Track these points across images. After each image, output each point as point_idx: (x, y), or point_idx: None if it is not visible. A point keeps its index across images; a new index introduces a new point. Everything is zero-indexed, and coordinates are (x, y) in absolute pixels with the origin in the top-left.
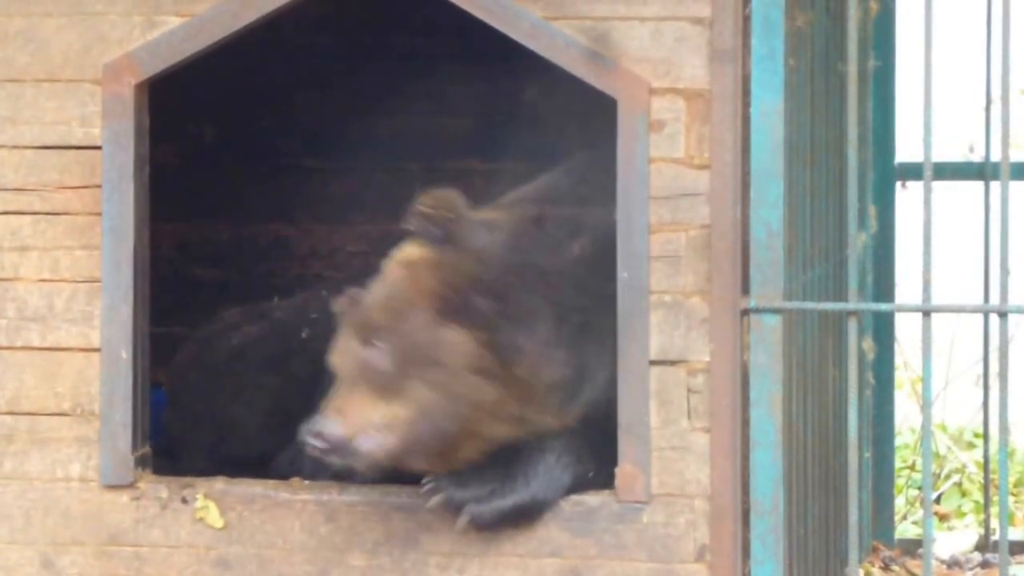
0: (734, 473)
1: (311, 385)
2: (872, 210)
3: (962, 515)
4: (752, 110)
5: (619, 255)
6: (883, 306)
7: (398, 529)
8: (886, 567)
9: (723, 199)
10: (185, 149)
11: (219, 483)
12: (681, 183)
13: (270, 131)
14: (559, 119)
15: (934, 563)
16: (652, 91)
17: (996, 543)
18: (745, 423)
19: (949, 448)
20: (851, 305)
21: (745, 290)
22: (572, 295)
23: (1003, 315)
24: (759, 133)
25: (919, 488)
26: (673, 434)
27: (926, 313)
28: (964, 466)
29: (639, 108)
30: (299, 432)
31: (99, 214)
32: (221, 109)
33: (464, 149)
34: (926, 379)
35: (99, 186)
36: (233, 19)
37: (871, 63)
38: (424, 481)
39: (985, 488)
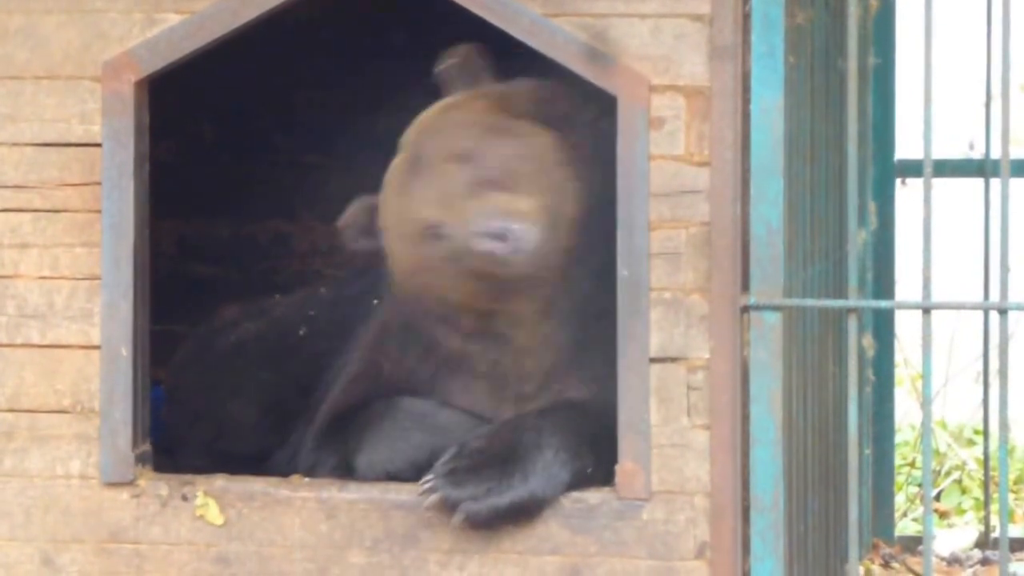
0: (734, 470)
1: (309, 383)
2: (872, 207)
3: (962, 512)
4: (752, 107)
5: (619, 252)
6: (883, 303)
7: (398, 526)
8: (886, 564)
9: (723, 196)
10: (185, 146)
11: (219, 480)
12: (681, 180)
13: (270, 128)
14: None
15: (934, 560)
16: (652, 88)
17: (996, 540)
18: (745, 420)
19: (949, 445)
20: (851, 302)
21: (745, 287)
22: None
23: (1003, 312)
24: (759, 130)
25: (919, 485)
26: (673, 431)
27: (926, 310)
28: (964, 463)
29: (639, 105)
30: (472, 221)
31: (99, 211)
32: (221, 106)
33: None
34: (926, 376)
35: (99, 183)
36: (233, 16)
37: (871, 60)
38: (422, 481)
39: (985, 485)
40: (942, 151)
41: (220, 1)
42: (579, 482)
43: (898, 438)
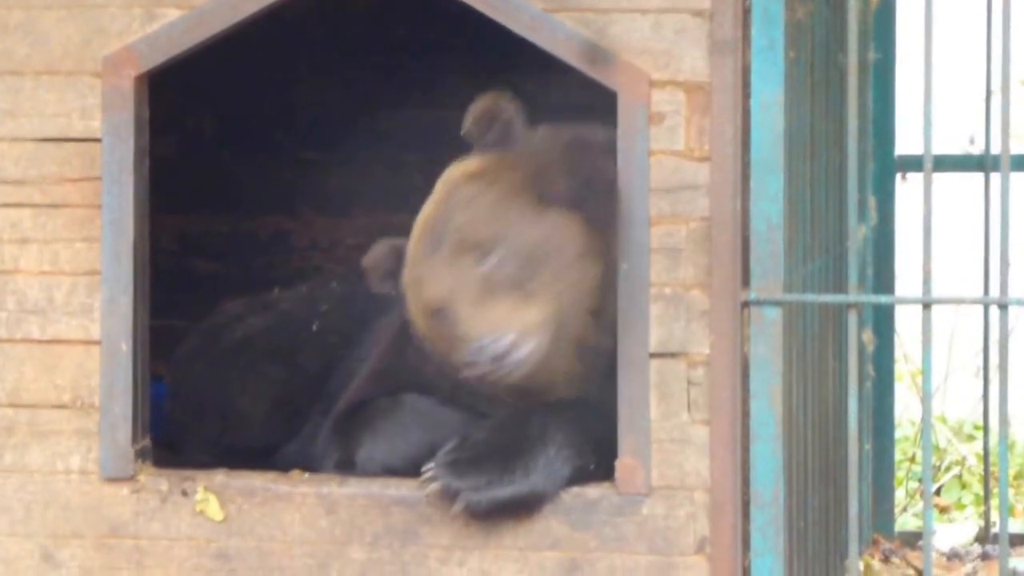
0: (734, 465)
1: (319, 377)
2: (872, 202)
3: (962, 507)
4: (752, 102)
5: (619, 247)
6: (883, 298)
7: (398, 522)
8: (886, 559)
9: (723, 191)
10: (185, 142)
11: (219, 476)
12: (681, 176)
13: (270, 124)
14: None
15: (934, 555)
16: (652, 83)
17: (996, 535)
18: (745, 415)
19: (949, 440)
20: (851, 297)
21: (745, 282)
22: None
23: (1003, 307)
24: (759, 125)
25: (919, 480)
26: (673, 426)
27: (926, 305)
28: (964, 458)
29: (639, 101)
30: (467, 345)
31: (99, 207)
32: (221, 101)
33: (465, 141)
34: (926, 371)
35: (99, 178)
36: (233, 11)
37: (871, 55)
38: (423, 469)
39: (985, 480)
40: (942, 146)
41: None
42: (580, 479)
43: (898, 433)
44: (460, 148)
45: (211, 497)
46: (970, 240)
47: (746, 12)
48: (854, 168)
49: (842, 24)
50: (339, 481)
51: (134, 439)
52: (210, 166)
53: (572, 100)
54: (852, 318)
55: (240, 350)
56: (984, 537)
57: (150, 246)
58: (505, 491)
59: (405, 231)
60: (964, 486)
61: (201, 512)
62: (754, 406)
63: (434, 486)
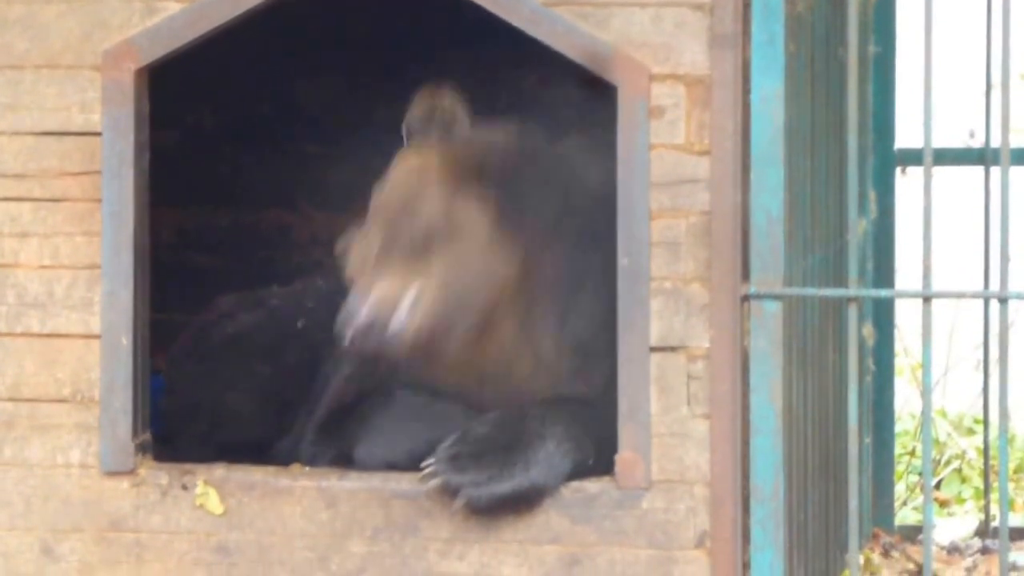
0: (734, 459)
1: (306, 373)
2: (872, 196)
3: (962, 501)
4: (752, 96)
5: (619, 241)
6: (883, 292)
7: (398, 516)
8: (886, 553)
9: (723, 185)
10: (185, 136)
11: (219, 470)
12: (681, 169)
13: (270, 118)
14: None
15: (934, 549)
16: (652, 77)
17: (996, 529)
18: (745, 409)
19: (949, 434)
20: (851, 291)
21: (745, 276)
22: (573, 193)
23: (1003, 301)
24: (759, 119)
25: (919, 474)
26: (673, 420)
27: (926, 299)
28: (964, 452)
29: (639, 94)
30: (336, 331)
31: (99, 200)
32: (221, 96)
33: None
34: (926, 365)
35: (99, 172)
36: (233, 5)
37: (871, 49)
38: (423, 465)
39: (985, 474)
40: (942, 140)
41: None
42: (580, 473)
43: (898, 427)
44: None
45: (211, 491)
46: (970, 234)
47: (746, 6)
48: (854, 162)
49: (842, 18)
50: (339, 475)
51: (134, 433)
52: (210, 160)
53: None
54: (852, 312)
55: (230, 347)
56: (984, 531)
57: (150, 240)
58: (505, 486)
59: None
60: (964, 480)
61: (201, 506)
62: (754, 400)
63: (435, 482)
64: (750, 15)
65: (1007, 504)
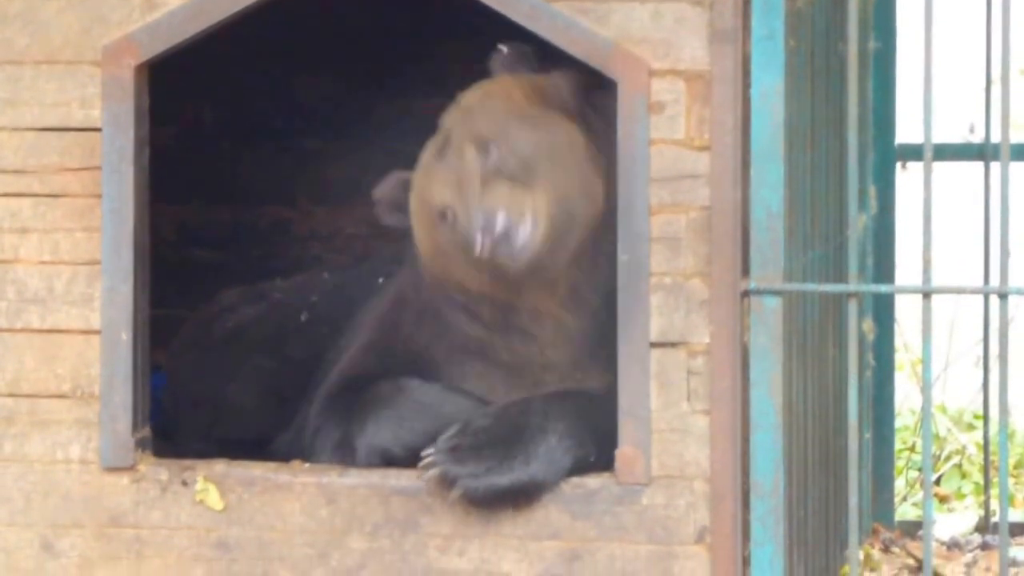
0: (734, 455)
1: (308, 367)
2: (872, 191)
3: (962, 497)
4: (752, 91)
5: (619, 237)
6: (883, 287)
7: (398, 511)
8: (886, 549)
9: (723, 181)
10: (185, 131)
11: (219, 465)
12: (681, 165)
13: (270, 113)
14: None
15: (934, 545)
16: (652, 72)
17: (996, 525)
18: (745, 405)
19: (949, 430)
20: (851, 287)
21: (745, 272)
22: None
23: (1003, 296)
24: (759, 114)
25: (919, 470)
26: (673, 416)
27: (926, 294)
28: (964, 448)
29: (639, 90)
30: (474, 216)
31: (99, 196)
32: (221, 91)
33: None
34: (926, 361)
35: (99, 168)
36: (232, 1)
37: (872, 44)
38: (423, 454)
39: (985, 470)
40: (942, 135)
41: None
42: (582, 469)
43: (898, 423)
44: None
45: (211, 487)
46: (970, 229)
47: (746, 1)
48: (854, 157)
49: (842, 13)
50: (339, 471)
51: (134, 428)
52: (210, 156)
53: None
54: (852, 307)
55: (232, 341)
56: (984, 526)
57: (150, 235)
58: (504, 479)
59: None
60: (964, 475)
61: (201, 502)
62: (754, 395)
63: (433, 471)
64: (750, 10)
65: (1007, 500)
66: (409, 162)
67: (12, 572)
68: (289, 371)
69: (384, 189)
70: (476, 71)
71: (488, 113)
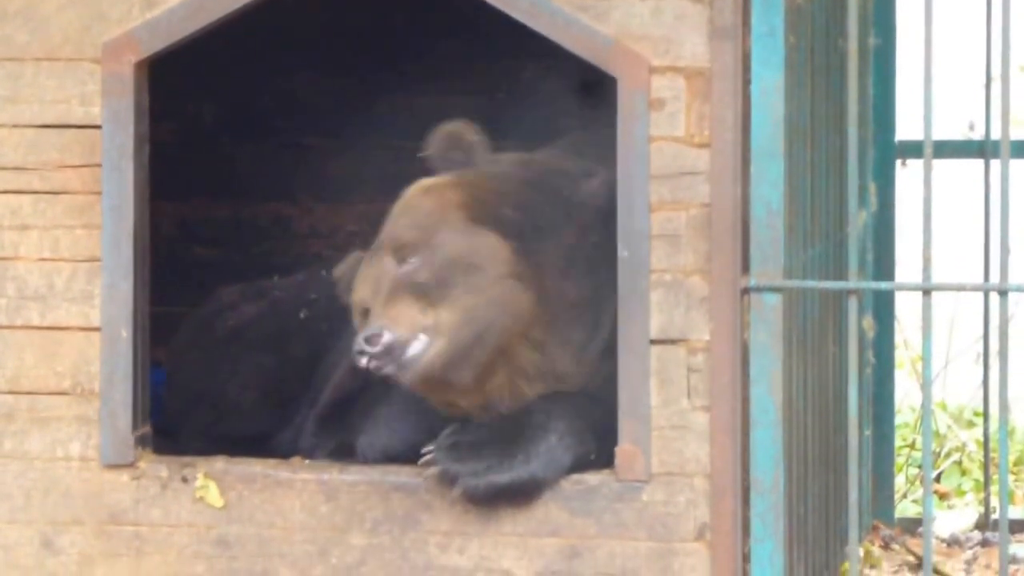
0: (734, 452)
1: (308, 365)
2: (872, 188)
3: (962, 493)
4: (752, 88)
5: (619, 234)
6: (883, 285)
7: (398, 508)
8: (886, 545)
9: (723, 178)
10: (185, 128)
11: (219, 462)
12: (681, 162)
13: (269, 110)
14: (559, 97)
15: (934, 542)
16: (652, 69)
17: (996, 521)
18: (745, 402)
19: (949, 427)
20: (851, 284)
21: (745, 269)
22: (591, 222)
23: (1003, 293)
24: (759, 111)
25: (919, 467)
26: (673, 413)
27: (926, 292)
28: (964, 444)
29: (639, 87)
30: (353, 347)
31: (99, 193)
32: (221, 88)
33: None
34: (926, 358)
35: (99, 165)
36: None
37: (871, 40)
38: (423, 452)
39: (985, 466)
40: (942, 132)
41: None
42: (582, 467)
43: (898, 420)
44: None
45: (211, 484)
46: (970, 226)
47: None
48: (854, 154)
49: (842, 10)
50: (340, 468)
51: (134, 426)
52: (210, 153)
53: (571, 86)
54: (852, 304)
55: (232, 338)
56: (984, 523)
57: (150, 232)
58: (504, 477)
59: None
60: (964, 472)
61: (201, 499)
62: (754, 392)
63: (433, 470)
64: (750, 7)
65: (1007, 496)
66: (409, 160)
67: (12, 569)
68: (289, 369)
69: (343, 268)
70: (476, 70)
71: (415, 218)
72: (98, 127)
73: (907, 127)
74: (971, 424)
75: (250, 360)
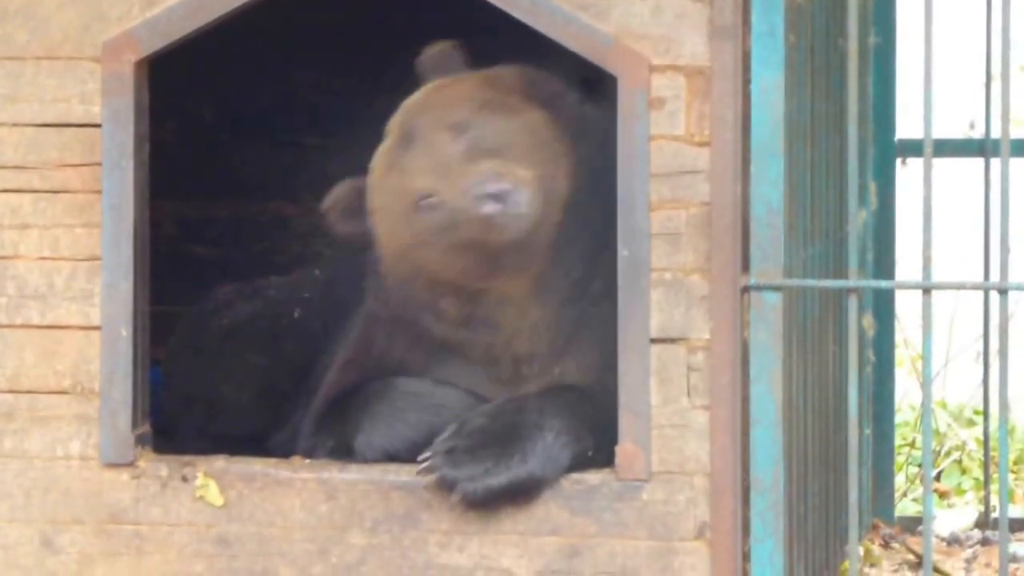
0: (734, 451)
1: (303, 364)
2: (872, 187)
3: (962, 492)
4: (752, 87)
5: (619, 232)
6: (883, 283)
7: (398, 507)
8: (886, 544)
9: (723, 176)
10: (185, 127)
11: (219, 461)
12: (681, 161)
13: (270, 109)
14: None
15: (934, 540)
16: (652, 68)
17: (996, 520)
18: (745, 401)
19: (949, 425)
20: (851, 282)
21: (745, 268)
22: (597, 146)
23: (1003, 292)
24: (759, 110)
25: (919, 465)
26: (673, 412)
27: (926, 290)
28: (964, 443)
29: (639, 85)
30: (469, 185)
31: (99, 192)
32: (221, 87)
33: None
34: (926, 356)
35: (99, 164)
36: None
37: (871, 39)
38: (420, 458)
39: (985, 465)
40: (942, 131)
41: None
42: (579, 465)
43: (898, 418)
44: None
45: (211, 483)
46: (970, 225)
47: None
48: (854, 153)
49: (842, 9)
50: (339, 467)
51: (134, 425)
52: (210, 152)
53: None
54: (852, 303)
55: (226, 338)
56: (984, 522)
57: (150, 231)
58: (501, 478)
59: None
60: (964, 471)
61: (201, 498)
62: (754, 391)
63: (431, 477)
64: (750, 6)
65: (1007, 495)
66: None
67: (12, 568)
68: (284, 368)
69: (336, 197)
70: (475, 67)
71: (453, 102)
72: (98, 126)
73: (907, 126)
74: (971, 423)
75: (245, 360)
